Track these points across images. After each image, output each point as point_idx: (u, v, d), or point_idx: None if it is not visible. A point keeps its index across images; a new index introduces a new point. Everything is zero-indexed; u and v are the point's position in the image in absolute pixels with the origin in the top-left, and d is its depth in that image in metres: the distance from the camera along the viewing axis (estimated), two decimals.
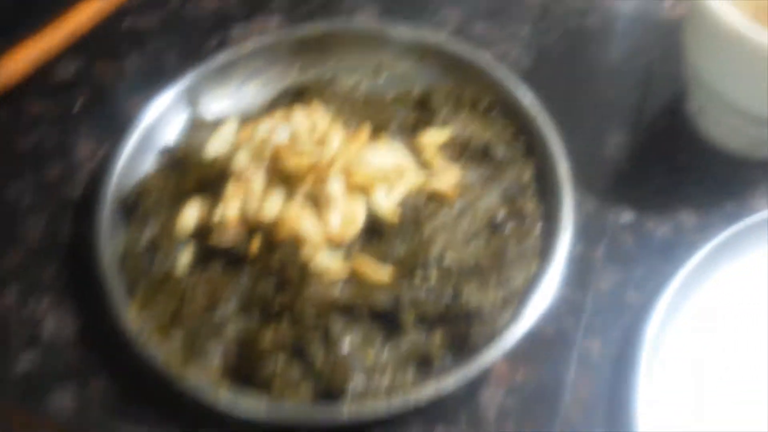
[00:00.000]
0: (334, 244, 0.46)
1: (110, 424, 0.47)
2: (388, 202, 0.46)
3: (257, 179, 0.48)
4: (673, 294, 0.47)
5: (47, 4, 0.63)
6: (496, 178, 0.51)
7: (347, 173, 0.46)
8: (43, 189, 0.57)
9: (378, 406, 0.43)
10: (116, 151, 0.53)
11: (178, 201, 0.50)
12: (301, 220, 0.45)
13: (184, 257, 0.48)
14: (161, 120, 0.55)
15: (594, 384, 0.47)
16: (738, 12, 0.46)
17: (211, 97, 0.58)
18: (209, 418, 0.45)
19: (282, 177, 0.48)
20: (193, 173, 0.51)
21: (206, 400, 0.44)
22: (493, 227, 0.49)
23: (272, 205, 0.46)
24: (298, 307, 0.44)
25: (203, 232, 0.48)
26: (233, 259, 0.47)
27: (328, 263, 0.45)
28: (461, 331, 0.45)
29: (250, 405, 0.43)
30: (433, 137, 0.51)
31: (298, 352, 0.45)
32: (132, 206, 0.51)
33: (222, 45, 0.64)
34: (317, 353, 0.44)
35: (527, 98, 0.54)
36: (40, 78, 0.62)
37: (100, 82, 0.63)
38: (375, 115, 0.54)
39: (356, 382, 0.43)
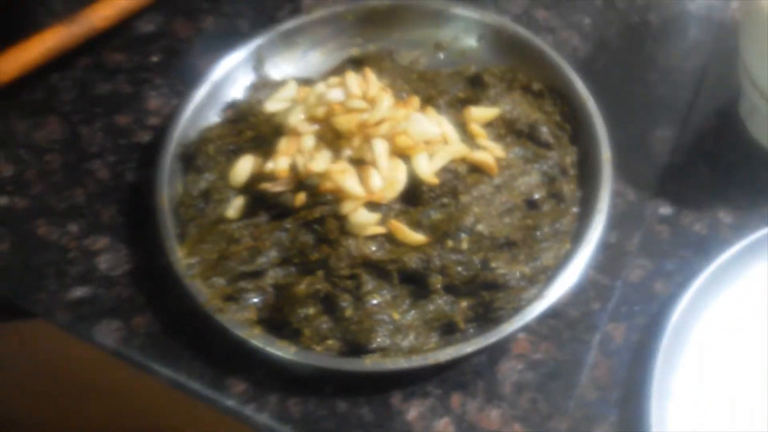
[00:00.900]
0: (373, 203, 0.48)
1: (149, 357, 0.50)
2: (428, 167, 0.48)
3: (309, 136, 0.50)
4: (700, 288, 0.48)
5: None
6: (538, 159, 0.53)
7: (392, 137, 0.48)
8: (113, 134, 0.61)
9: (396, 363, 0.45)
10: (184, 103, 0.57)
11: (235, 153, 0.54)
12: (345, 176, 0.47)
13: (235, 206, 0.51)
14: (228, 77, 0.59)
15: (613, 369, 0.48)
16: None
17: (277, 60, 0.61)
18: (241, 360, 0.48)
19: (332, 136, 0.50)
20: (251, 128, 0.54)
21: (239, 336, 0.47)
22: (530, 205, 0.51)
23: (320, 161, 0.49)
24: (333, 259, 0.47)
25: (254, 183, 0.51)
26: (280, 211, 0.50)
27: (366, 220, 0.47)
28: (486, 300, 0.47)
29: (280, 346, 0.46)
30: (481, 113, 0.53)
31: (329, 305, 0.47)
32: (192, 155, 0.55)
33: (294, 12, 0.67)
34: (346, 306, 0.46)
35: (578, 85, 0.55)
36: (122, 31, 0.66)
37: (177, 39, 0.66)
38: (427, 88, 0.56)
39: (380, 339, 0.46)
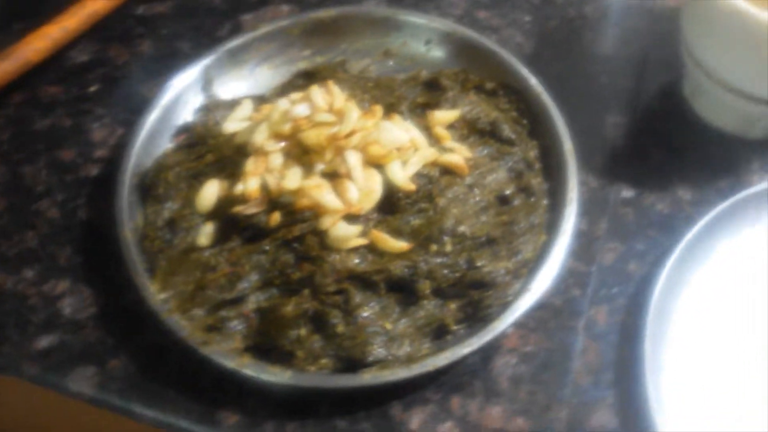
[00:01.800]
0: (352, 215, 0.47)
1: (130, 400, 0.48)
2: (403, 174, 0.48)
3: (276, 154, 0.49)
4: (674, 265, 0.49)
5: None
6: (503, 156, 0.53)
7: (364, 147, 0.48)
8: (58, 170, 0.58)
9: (397, 373, 0.44)
10: (134, 131, 0.55)
11: (196, 178, 0.52)
12: (321, 191, 0.47)
13: (205, 233, 0.49)
14: (178, 101, 0.57)
15: (602, 351, 0.49)
16: None
17: (226, 79, 0.59)
18: (230, 391, 0.47)
19: (300, 152, 0.49)
20: (211, 151, 0.53)
21: (229, 367, 0.45)
22: (502, 201, 0.51)
23: (292, 178, 0.48)
24: (318, 276, 0.46)
25: (224, 207, 0.50)
26: (254, 232, 0.49)
27: (347, 233, 0.47)
28: (474, 300, 0.47)
29: (274, 372, 0.45)
30: (444, 116, 0.53)
31: (318, 323, 0.46)
32: (150, 184, 0.53)
33: (234, 31, 0.66)
34: (337, 323, 0.46)
35: (531, 80, 0.56)
36: (55, 62, 0.63)
37: (114, 66, 0.64)
38: (386, 96, 0.55)
39: (376, 351, 0.45)
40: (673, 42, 0.58)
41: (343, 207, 0.47)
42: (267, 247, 0.48)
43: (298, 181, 0.48)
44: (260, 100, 0.57)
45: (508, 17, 0.66)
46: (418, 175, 0.49)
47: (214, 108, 0.57)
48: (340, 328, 0.46)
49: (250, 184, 0.48)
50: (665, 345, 0.48)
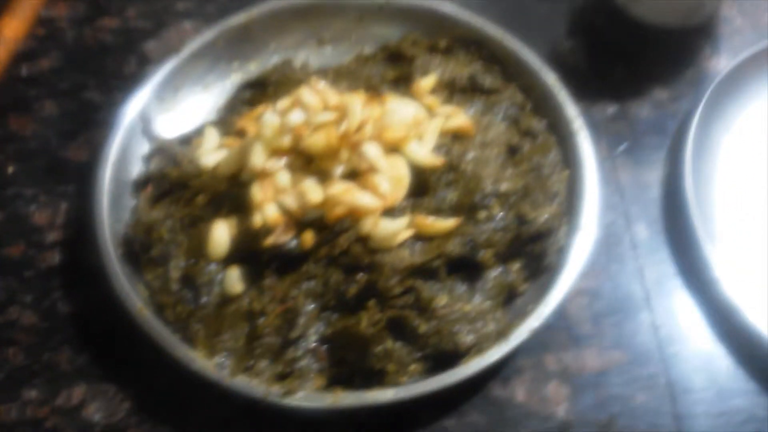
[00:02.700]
0: (388, 208, 0.44)
1: None
2: (425, 151, 0.45)
3: (281, 172, 0.44)
4: (693, 154, 0.50)
5: None
6: (492, 107, 0.52)
7: (378, 135, 0.44)
8: (12, 270, 0.50)
9: (498, 351, 0.42)
10: (92, 199, 0.48)
11: (194, 226, 0.46)
12: (353, 194, 0.43)
13: (232, 278, 0.44)
14: (125, 153, 0.50)
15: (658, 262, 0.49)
16: None
17: (162, 116, 0.53)
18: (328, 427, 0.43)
19: (304, 162, 0.45)
20: (200, 191, 0.47)
21: (325, 407, 0.41)
22: (512, 151, 0.50)
23: (312, 191, 0.43)
24: (382, 282, 0.42)
25: (242, 246, 0.44)
26: (286, 260, 0.44)
27: (392, 229, 0.43)
28: (536, 253, 0.45)
29: (375, 395, 0.41)
30: (425, 84, 0.50)
31: (396, 330, 0.43)
32: (141, 249, 0.46)
33: (142, 63, 0.59)
34: (418, 323, 0.42)
35: (488, 27, 0.54)
36: None
37: (24, 139, 0.55)
38: (355, 81, 0.52)
39: (465, 338, 0.42)
40: None
41: (380, 203, 0.43)
42: (313, 271, 0.43)
43: (321, 192, 0.43)
44: (220, 124, 0.52)
45: None
46: (434, 148, 0.46)
47: (169, 149, 0.51)
48: (423, 328, 0.42)
49: (268, 212, 0.43)
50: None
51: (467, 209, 0.45)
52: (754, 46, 0.54)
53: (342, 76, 0.53)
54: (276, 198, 0.44)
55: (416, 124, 0.46)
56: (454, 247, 0.44)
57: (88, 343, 0.47)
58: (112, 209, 0.48)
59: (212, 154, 0.48)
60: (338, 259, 0.43)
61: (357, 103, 0.44)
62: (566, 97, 0.51)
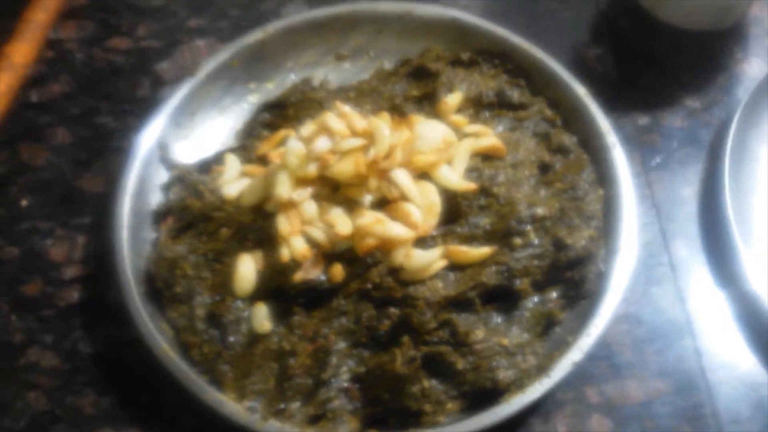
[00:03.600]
0: (421, 237, 0.42)
1: None
2: (455, 175, 0.43)
3: (308, 202, 0.43)
4: (731, 174, 0.48)
5: None
6: (521, 123, 0.50)
7: (407, 161, 0.42)
8: (30, 309, 0.48)
9: (540, 387, 0.40)
10: (112, 232, 0.46)
11: (218, 260, 0.44)
12: (384, 224, 0.41)
13: (260, 316, 0.42)
14: (143, 183, 0.49)
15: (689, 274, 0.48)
16: None
17: (179, 142, 0.51)
18: None
19: (329, 191, 0.43)
20: (224, 224, 0.45)
21: None
22: (544, 169, 0.48)
23: (341, 222, 0.41)
24: (416, 317, 0.41)
25: (269, 282, 0.43)
26: (314, 296, 0.42)
27: (425, 260, 0.42)
28: (574, 279, 0.44)
29: None
30: (452, 102, 0.48)
31: (432, 367, 0.41)
32: (164, 285, 0.44)
33: (155, 85, 0.57)
34: (455, 360, 0.41)
35: (512, 37, 0.52)
36: None
37: (37, 169, 0.54)
38: (378, 100, 0.50)
39: (505, 374, 0.41)
40: None
41: (412, 233, 0.41)
42: (344, 307, 0.42)
43: (350, 223, 0.41)
44: (240, 150, 0.50)
45: None
46: (466, 171, 0.44)
47: (187, 177, 0.49)
48: (460, 364, 0.41)
49: (296, 246, 0.42)
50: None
51: (502, 235, 0.43)
52: None
53: (364, 95, 0.51)
54: (303, 230, 0.42)
55: (446, 146, 0.44)
56: (489, 276, 0.42)
57: (112, 385, 0.45)
58: (132, 243, 0.46)
59: (234, 183, 0.47)
60: (369, 293, 0.42)
61: (385, 127, 0.42)
62: (598, 111, 0.49)
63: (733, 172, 0.48)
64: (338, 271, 0.42)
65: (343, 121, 0.43)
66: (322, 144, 0.42)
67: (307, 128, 0.44)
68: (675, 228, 0.49)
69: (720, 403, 0.43)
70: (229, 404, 0.40)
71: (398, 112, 0.48)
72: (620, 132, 0.50)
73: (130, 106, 0.56)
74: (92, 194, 0.52)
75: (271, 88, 0.55)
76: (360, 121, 0.43)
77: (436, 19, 0.54)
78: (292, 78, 0.55)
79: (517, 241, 0.43)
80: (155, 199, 0.49)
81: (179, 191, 0.49)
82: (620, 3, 0.59)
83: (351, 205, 0.43)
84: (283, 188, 0.43)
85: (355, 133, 0.43)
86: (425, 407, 0.40)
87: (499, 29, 0.53)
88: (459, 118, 0.48)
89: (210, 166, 0.50)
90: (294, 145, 0.43)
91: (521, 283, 0.42)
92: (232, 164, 0.48)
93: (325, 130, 0.43)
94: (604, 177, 0.47)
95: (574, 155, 0.48)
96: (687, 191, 0.50)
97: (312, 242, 0.42)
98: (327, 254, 0.42)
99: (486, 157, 0.46)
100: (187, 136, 0.52)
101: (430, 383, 0.41)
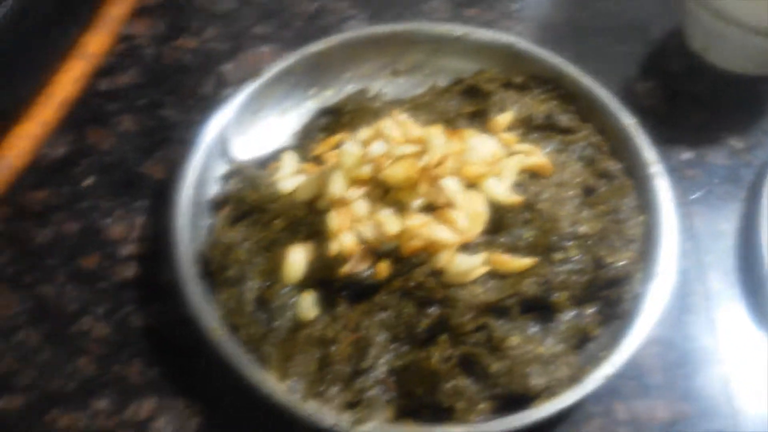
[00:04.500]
0: (465, 243, 0.44)
1: None
2: (503, 188, 0.45)
3: (359, 202, 0.45)
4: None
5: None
6: (568, 146, 0.52)
7: (457, 170, 0.44)
8: (86, 282, 0.51)
9: (571, 396, 0.41)
10: (171, 216, 0.48)
11: (270, 249, 0.47)
12: (431, 227, 0.43)
13: (306, 304, 0.44)
14: (204, 172, 0.51)
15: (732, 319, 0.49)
16: None
17: (239, 138, 0.54)
18: None
19: (381, 193, 0.45)
20: (278, 216, 0.47)
21: None
22: (587, 192, 0.49)
23: (390, 222, 0.43)
24: (455, 318, 0.42)
25: (317, 273, 0.45)
26: (359, 290, 0.44)
27: (468, 265, 0.43)
28: (612, 299, 0.45)
29: None
30: (503, 120, 0.51)
31: (467, 367, 0.43)
32: (217, 269, 0.47)
33: (220, 85, 0.60)
34: (489, 362, 0.42)
35: (564, 65, 0.55)
36: (31, 164, 0.55)
37: (101, 153, 0.57)
38: (431, 114, 0.52)
39: (536, 380, 0.42)
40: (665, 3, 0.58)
41: (457, 238, 0.43)
42: (386, 302, 0.43)
43: (398, 224, 0.43)
44: (297, 150, 0.52)
45: (496, 9, 0.65)
46: (513, 186, 0.46)
47: (245, 171, 0.52)
48: (494, 367, 0.42)
49: (345, 241, 0.44)
50: None
51: (543, 249, 0.45)
52: None
53: (419, 108, 0.53)
54: (353, 227, 0.44)
55: (495, 160, 0.46)
56: (528, 286, 0.44)
57: (160, 358, 0.47)
58: (189, 227, 0.48)
59: (290, 179, 0.49)
60: (412, 291, 0.43)
61: (439, 137, 0.45)
62: (644, 141, 0.51)
63: None
64: (383, 268, 0.44)
65: (398, 128, 0.45)
66: (377, 148, 0.45)
67: (364, 133, 0.46)
68: (712, 260, 0.50)
69: (745, 430, 0.44)
70: (272, 382, 0.42)
71: (451, 126, 0.50)
72: (664, 163, 0.51)
73: (193, 102, 0.59)
74: (153, 180, 0.55)
75: (330, 95, 0.57)
76: (415, 130, 0.45)
77: (491, 42, 0.57)
78: (349, 88, 0.57)
79: (558, 255, 0.45)
80: (213, 190, 0.52)
81: (237, 183, 0.51)
82: (671, 43, 0.61)
83: (400, 208, 0.45)
84: (337, 186, 0.45)
85: (409, 141, 0.45)
86: (458, 405, 0.41)
87: (552, 56, 0.55)
88: (509, 136, 0.50)
89: (267, 162, 0.52)
90: (351, 147, 0.45)
91: (559, 296, 0.44)
92: (289, 161, 0.50)
93: (381, 135, 0.45)
94: (647, 204, 0.49)
95: (619, 181, 0.50)
96: (725, 226, 0.52)
97: (360, 239, 0.44)
98: (374, 252, 0.44)
99: (533, 175, 0.48)
100: (247, 133, 0.54)
101: (464, 382, 0.42)
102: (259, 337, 0.44)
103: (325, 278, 0.45)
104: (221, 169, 0.52)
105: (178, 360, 0.47)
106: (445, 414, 0.42)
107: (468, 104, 0.53)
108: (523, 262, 0.44)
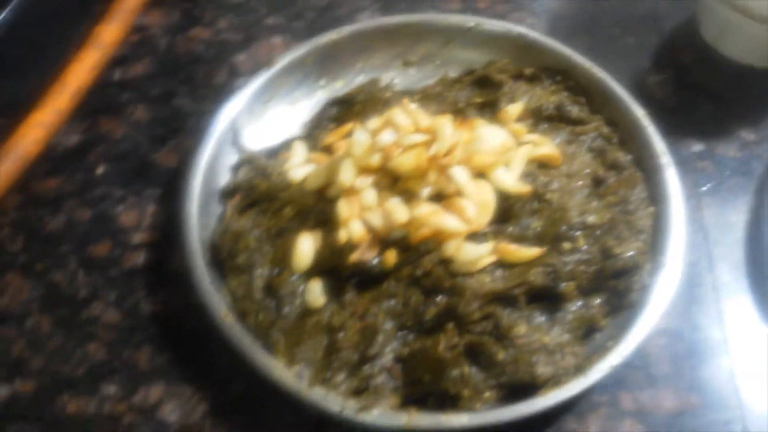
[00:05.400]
0: (473, 233, 0.44)
1: None
2: (512, 178, 0.45)
3: (368, 190, 0.45)
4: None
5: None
6: (578, 137, 0.52)
7: (467, 159, 0.45)
8: (97, 269, 0.51)
9: (577, 386, 0.42)
10: (182, 204, 0.49)
11: (279, 237, 0.47)
12: (439, 216, 0.43)
13: (314, 291, 0.45)
14: (216, 161, 0.51)
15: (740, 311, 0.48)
16: None
17: (251, 127, 0.54)
18: None
19: (390, 181, 0.45)
20: (287, 204, 0.48)
21: (403, 427, 0.41)
22: (596, 183, 0.49)
23: (399, 211, 0.44)
24: (462, 306, 0.43)
25: (325, 260, 0.45)
26: (366, 278, 0.45)
27: (476, 254, 0.43)
28: (619, 289, 0.45)
29: (450, 419, 0.41)
30: (513, 110, 0.51)
31: (473, 355, 0.43)
32: (227, 256, 0.47)
33: (232, 75, 0.60)
34: (496, 351, 0.42)
35: (575, 56, 0.54)
36: (44, 152, 0.56)
37: (114, 141, 0.57)
38: (441, 104, 0.52)
39: (543, 370, 0.42)
40: None
41: (465, 227, 0.43)
42: (394, 290, 0.44)
43: (407, 213, 0.44)
44: (307, 139, 0.53)
45: (508, 1, 0.64)
46: (522, 176, 0.46)
47: (255, 160, 0.52)
48: (500, 355, 0.42)
49: (354, 229, 0.44)
50: None
51: (551, 239, 0.45)
52: None
53: (429, 98, 0.53)
54: (362, 215, 0.44)
55: (504, 150, 0.46)
56: (536, 276, 0.44)
57: (169, 344, 0.48)
58: (200, 215, 0.49)
59: (300, 168, 0.49)
60: (419, 280, 0.44)
61: (448, 126, 0.45)
62: (654, 132, 0.51)
63: None
64: (392, 256, 0.44)
65: (408, 117, 0.45)
66: (386, 137, 0.45)
67: (374, 122, 0.47)
68: (721, 252, 0.50)
69: (751, 421, 0.44)
70: (279, 368, 0.42)
71: (461, 116, 0.51)
72: (674, 156, 0.51)
73: (206, 92, 0.60)
74: (165, 168, 0.55)
75: (340, 86, 0.57)
76: (425, 119, 0.45)
77: (502, 34, 0.57)
78: (360, 78, 0.57)
79: (566, 245, 0.45)
80: (224, 178, 0.52)
81: (247, 172, 0.52)
82: (683, 35, 0.61)
83: (409, 196, 0.45)
84: (347, 175, 0.45)
85: (419, 130, 0.45)
86: (464, 392, 0.42)
87: (564, 48, 0.55)
88: (518, 127, 0.50)
89: (277, 152, 0.53)
90: (360, 136, 0.45)
91: (567, 286, 0.44)
92: (299, 151, 0.51)
93: (391, 124, 0.45)
94: (656, 196, 0.49)
95: (628, 172, 0.50)
96: (735, 218, 0.52)
97: (369, 227, 0.44)
98: (382, 240, 0.44)
99: (542, 165, 0.48)
100: (257, 123, 0.54)
101: (470, 370, 0.42)
102: (268, 324, 0.44)
103: (333, 266, 0.45)
104: (232, 158, 0.53)
105: (186, 346, 0.47)
106: (450, 402, 0.42)
107: (478, 95, 0.53)
108: (531, 251, 0.44)
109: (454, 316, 0.43)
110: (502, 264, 0.45)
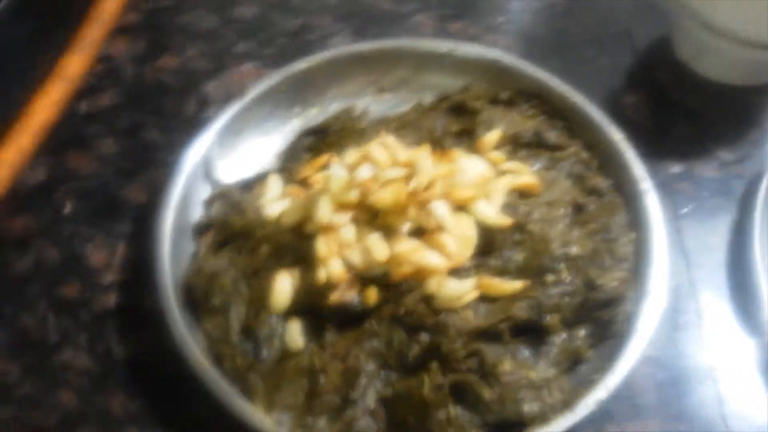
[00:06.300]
0: (455, 267, 0.43)
1: None
2: (492, 210, 0.45)
3: (347, 227, 0.44)
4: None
5: None
6: (556, 163, 0.51)
7: (446, 194, 0.44)
8: (67, 311, 0.49)
9: (565, 421, 0.41)
10: (154, 242, 0.47)
11: (256, 276, 0.46)
12: (420, 253, 0.42)
13: (293, 333, 0.43)
14: (187, 196, 0.50)
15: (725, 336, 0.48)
16: None
17: (222, 160, 0.53)
18: None
19: (369, 217, 0.44)
20: (264, 241, 0.46)
21: None
22: (578, 209, 0.49)
23: (378, 248, 0.43)
24: (446, 344, 0.42)
25: (303, 300, 0.44)
26: (347, 317, 0.44)
27: (458, 290, 0.43)
28: (604, 320, 0.44)
29: None
30: (490, 139, 0.50)
31: (458, 395, 0.42)
32: (202, 297, 0.46)
33: (203, 105, 0.59)
34: (482, 390, 0.41)
35: (551, 80, 0.54)
36: (10, 191, 0.54)
37: (81, 177, 0.55)
38: (418, 133, 0.52)
39: (530, 407, 0.41)
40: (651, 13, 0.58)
41: (447, 263, 0.43)
42: (376, 329, 0.43)
43: (387, 250, 0.43)
44: (282, 172, 0.51)
45: (481, 23, 0.64)
46: (502, 207, 0.46)
47: (229, 195, 0.51)
48: (487, 394, 0.41)
49: (333, 268, 0.43)
50: None
51: (534, 271, 0.44)
52: None
53: (405, 127, 0.52)
54: (341, 253, 0.43)
55: (484, 182, 0.45)
56: (520, 310, 0.43)
57: (142, 390, 0.46)
58: (172, 253, 0.47)
59: (276, 203, 0.48)
60: (402, 318, 0.43)
61: (426, 160, 0.44)
62: (633, 156, 0.50)
63: (763, 223, 0.49)
64: (373, 294, 0.43)
65: (386, 151, 0.44)
66: (364, 172, 0.44)
67: (351, 156, 0.45)
68: (703, 275, 0.50)
69: None
70: (258, 415, 0.41)
71: (438, 146, 0.50)
72: (653, 178, 0.50)
73: (175, 123, 0.58)
74: (135, 204, 0.54)
75: (315, 114, 0.56)
76: (402, 152, 0.44)
77: (477, 58, 0.56)
78: (334, 106, 0.56)
79: (550, 278, 0.44)
80: (197, 213, 0.50)
81: (220, 207, 0.50)
82: (658, 54, 0.61)
83: (389, 232, 0.44)
84: (324, 212, 0.44)
85: (396, 164, 0.44)
86: None
87: (539, 71, 0.54)
88: (497, 155, 0.49)
89: (251, 185, 0.51)
90: (337, 171, 0.44)
91: (551, 319, 0.43)
92: (275, 185, 0.49)
93: (369, 158, 0.44)
94: (637, 221, 0.48)
95: (608, 198, 0.49)
96: (716, 240, 0.51)
97: (348, 265, 0.43)
98: (362, 278, 0.43)
99: (522, 194, 0.48)
100: (230, 155, 0.53)
101: (456, 411, 0.41)
102: (245, 368, 0.43)
103: (312, 306, 0.44)
104: (205, 192, 0.51)
105: (161, 391, 0.46)
106: None
107: (455, 122, 0.53)
108: (514, 285, 0.43)
109: (438, 354, 0.42)
110: (485, 298, 0.44)
